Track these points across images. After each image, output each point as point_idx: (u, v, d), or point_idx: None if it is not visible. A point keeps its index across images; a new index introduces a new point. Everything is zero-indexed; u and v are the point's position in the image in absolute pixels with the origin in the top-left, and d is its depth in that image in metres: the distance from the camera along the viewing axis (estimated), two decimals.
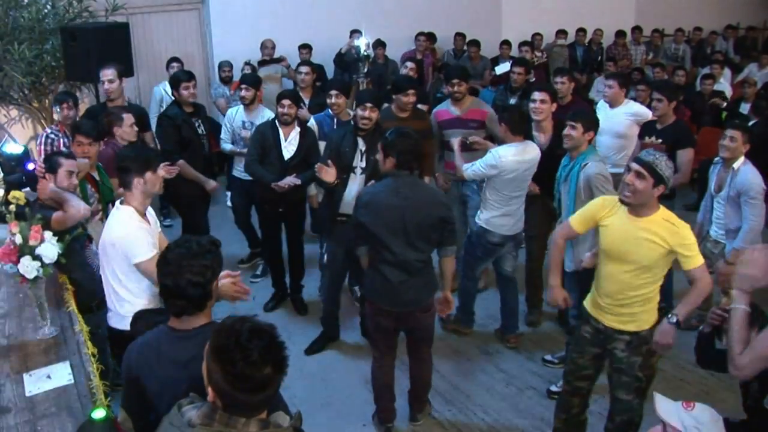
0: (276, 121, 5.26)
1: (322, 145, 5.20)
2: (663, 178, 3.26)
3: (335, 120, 5.44)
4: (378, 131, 4.58)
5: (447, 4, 10.68)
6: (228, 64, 8.05)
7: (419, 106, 5.68)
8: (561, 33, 10.84)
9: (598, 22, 11.43)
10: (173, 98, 5.72)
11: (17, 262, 3.15)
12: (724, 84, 9.11)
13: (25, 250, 3.16)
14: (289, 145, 5.23)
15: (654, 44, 11.64)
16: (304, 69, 6.59)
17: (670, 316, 3.48)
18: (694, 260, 3.36)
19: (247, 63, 8.19)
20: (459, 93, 5.45)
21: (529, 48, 9.18)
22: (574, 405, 3.83)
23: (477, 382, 4.73)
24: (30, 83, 6.71)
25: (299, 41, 8.95)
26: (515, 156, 4.61)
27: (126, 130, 4.83)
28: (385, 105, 5.34)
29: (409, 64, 7.40)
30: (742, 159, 4.62)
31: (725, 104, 8.15)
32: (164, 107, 6.77)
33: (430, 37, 10.12)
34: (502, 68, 8.33)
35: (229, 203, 6.83)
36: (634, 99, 6.23)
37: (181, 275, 2.28)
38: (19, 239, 3.16)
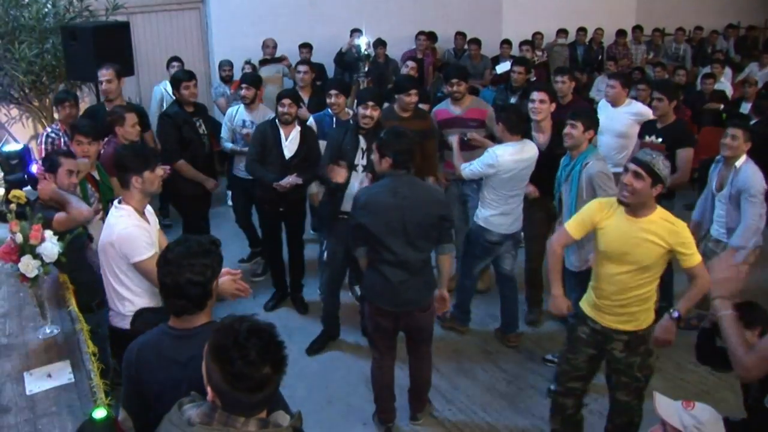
0: (276, 120, 5.26)
1: (321, 144, 5.20)
2: (661, 178, 3.27)
3: (334, 119, 5.44)
4: (379, 130, 4.58)
5: (447, 3, 10.67)
6: (228, 63, 8.05)
7: (420, 105, 5.68)
8: (562, 32, 10.84)
9: (599, 21, 11.44)
10: (174, 98, 5.72)
11: (18, 261, 3.15)
12: (725, 83, 9.11)
13: (26, 249, 3.15)
14: (290, 144, 5.23)
15: (655, 43, 11.64)
16: (302, 68, 6.60)
17: (671, 311, 3.48)
18: (694, 258, 3.38)
19: (248, 62, 8.18)
20: (458, 92, 5.45)
21: (529, 47, 9.18)
22: (568, 406, 3.81)
23: (477, 382, 4.73)
24: (30, 82, 6.71)
25: (300, 40, 8.95)
26: (513, 155, 4.62)
27: (128, 130, 4.82)
28: (386, 104, 5.34)
29: (410, 64, 7.41)
30: (744, 157, 4.62)
31: (722, 106, 8.14)
32: (165, 107, 6.78)
33: (431, 36, 10.11)
34: (503, 67, 8.33)
35: (229, 202, 6.83)
36: (635, 98, 6.22)
37: (181, 274, 2.28)
38: (19, 238, 3.15)
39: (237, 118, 6.03)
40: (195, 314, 2.35)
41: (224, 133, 6.10)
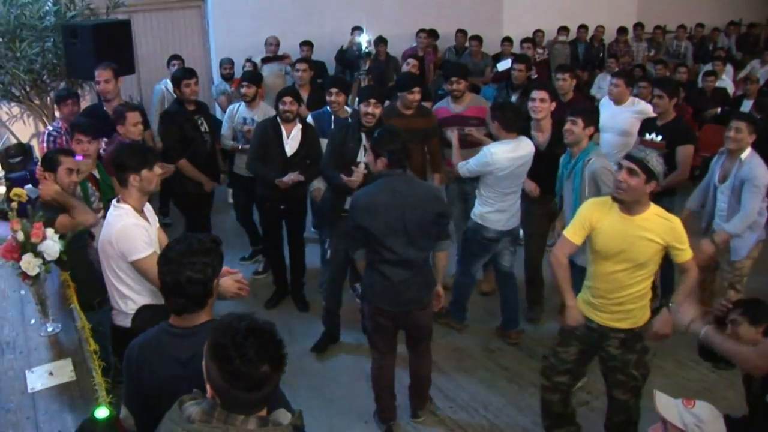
0: (277, 118, 5.26)
1: (321, 142, 5.20)
2: (654, 174, 3.27)
3: (333, 117, 5.45)
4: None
5: (449, 1, 10.66)
6: (229, 61, 8.04)
7: (422, 103, 5.67)
8: (563, 30, 10.82)
9: (600, 18, 11.43)
10: (175, 96, 5.72)
11: (19, 259, 3.15)
12: (727, 81, 9.10)
13: (27, 247, 3.16)
14: (291, 141, 5.23)
15: (656, 41, 11.63)
16: (301, 66, 6.61)
17: (670, 305, 3.48)
18: (687, 253, 3.40)
19: (249, 60, 8.18)
20: (458, 91, 5.46)
21: (530, 45, 9.17)
22: (554, 402, 3.80)
23: (479, 380, 4.73)
24: (31, 81, 6.71)
25: (300, 38, 8.94)
26: (508, 153, 4.62)
27: (129, 129, 4.80)
28: (387, 103, 5.34)
29: (411, 61, 7.39)
30: (749, 150, 4.61)
31: (720, 110, 8.13)
32: (166, 105, 6.78)
33: (432, 34, 10.11)
34: (504, 65, 8.32)
35: (230, 200, 6.83)
36: (636, 96, 6.22)
37: (182, 273, 2.28)
38: (21, 236, 3.16)
39: (238, 115, 6.03)
40: (195, 313, 2.35)
41: (225, 130, 6.10)
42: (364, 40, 8.21)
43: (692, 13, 12.36)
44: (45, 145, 5.20)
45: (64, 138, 5.16)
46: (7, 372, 2.96)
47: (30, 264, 3.14)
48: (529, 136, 4.98)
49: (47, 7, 6.66)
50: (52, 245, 3.20)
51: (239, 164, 5.99)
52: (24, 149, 5.54)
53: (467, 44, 10.16)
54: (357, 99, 4.99)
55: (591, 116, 4.46)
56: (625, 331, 3.51)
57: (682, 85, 7.76)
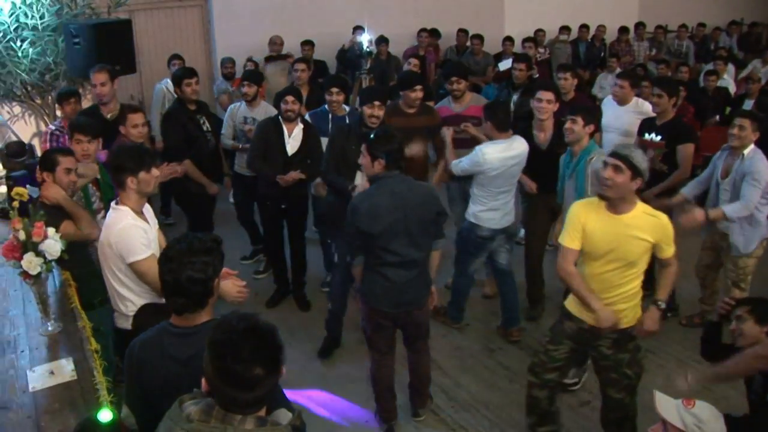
0: (279, 117, 5.26)
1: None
2: (640, 171, 3.27)
3: (330, 115, 5.45)
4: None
5: (450, 0, 10.66)
6: (230, 60, 8.05)
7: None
8: (564, 29, 10.81)
9: (601, 18, 11.42)
10: (176, 96, 5.71)
11: (20, 258, 3.15)
12: (728, 80, 9.09)
13: (28, 246, 3.16)
14: (292, 141, 5.23)
15: (657, 40, 11.61)
16: (299, 66, 6.62)
17: (659, 303, 3.50)
18: (671, 249, 3.42)
19: (250, 59, 8.19)
20: (458, 90, 5.46)
21: (532, 44, 9.16)
22: (541, 399, 3.78)
23: (480, 379, 4.73)
24: (33, 80, 6.71)
25: (302, 37, 8.94)
26: (500, 153, 4.62)
27: (129, 130, 4.77)
28: (388, 102, 5.33)
29: (412, 61, 7.40)
30: (752, 146, 4.61)
31: (718, 117, 8.11)
32: (167, 105, 6.78)
33: (433, 33, 10.11)
34: (505, 64, 8.31)
35: (231, 199, 6.84)
36: (638, 95, 6.21)
37: (182, 272, 2.28)
38: (22, 236, 3.16)
39: (238, 115, 6.03)
40: (196, 312, 2.35)
41: (225, 130, 6.09)
42: (366, 39, 8.23)
43: (694, 13, 12.35)
44: (48, 144, 5.19)
45: (66, 137, 5.15)
46: (8, 371, 2.96)
47: (31, 263, 3.14)
48: (531, 135, 4.99)
49: (48, 7, 6.67)
50: (53, 244, 3.20)
51: (240, 163, 6.00)
52: (23, 148, 5.54)
53: (468, 43, 10.16)
54: (358, 99, 4.98)
55: (590, 114, 4.47)
56: (617, 331, 3.49)
57: (684, 85, 7.75)
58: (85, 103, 6.35)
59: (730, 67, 9.58)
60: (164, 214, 7.17)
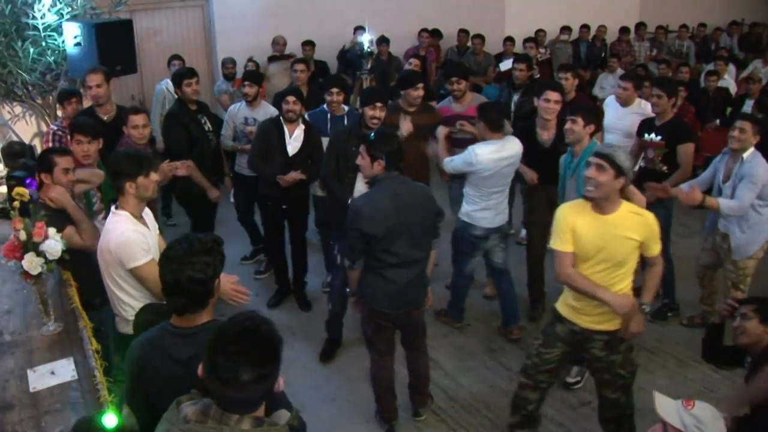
0: (280, 117, 5.26)
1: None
2: (623, 169, 3.27)
3: (329, 115, 5.45)
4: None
5: (451, 0, 10.66)
6: (231, 60, 8.05)
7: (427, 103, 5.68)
8: (565, 29, 10.81)
9: (602, 18, 11.42)
10: (176, 96, 5.70)
11: (21, 258, 3.15)
12: (729, 81, 9.09)
13: (29, 246, 3.16)
14: (293, 141, 5.23)
15: (658, 40, 11.61)
16: (299, 67, 6.63)
17: (643, 306, 3.49)
18: (658, 247, 3.41)
19: (251, 59, 8.19)
20: (458, 91, 5.47)
21: (533, 44, 9.16)
22: (531, 401, 3.76)
23: (480, 379, 4.73)
24: (33, 80, 6.72)
25: (303, 38, 8.94)
26: (492, 154, 4.63)
27: (130, 131, 4.77)
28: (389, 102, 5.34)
29: (413, 61, 7.41)
30: (751, 149, 4.61)
31: (718, 122, 8.10)
32: (167, 105, 6.77)
33: (434, 33, 10.11)
34: (506, 65, 8.31)
35: (231, 199, 6.84)
36: (639, 96, 6.21)
37: (183, 272, 2.28)
38: (23, 236, 3.16)
39: (239, 115, 6.02)
40: (196, 312, 2.36)
41: (225, 130, 6.07)
42: (366, 39, 8.22)
43: (694, 13, 12.34)
44: (50, 144, 5.18)
45: (68, 137, 5.14)
46: (9, 371, 2.96)
47: (32, 263, 3.14)
48: (533, 134, 4.99)
49: (49, 6, 6.67)
50: (53, 244, 3.19)
51: (240, 163, 5.99)
52: (24, 148, 5.53)
53: (469, 44, 10.16)
54: (359, 100, 4.97)
55: (591, 114, 4.48)
56: (608, 332, 3.48)
57: (684, 85, 7.75)
58: (87, 104, 6.35)
59: (731, 68, 9.57)
60: (165, 215, 7.17)
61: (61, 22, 6.61)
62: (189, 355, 2.26)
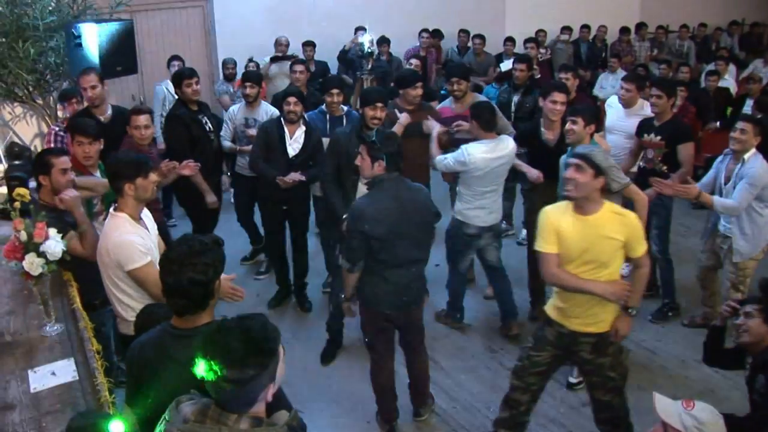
0: (281, 119, 5.26)
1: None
2: (601, 169, 3.28)
3: (327, 116, 5.46)
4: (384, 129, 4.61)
5: (451, 1, 10.66)
6: (232, 61, 8.05)
7: (428, 103, 5.67)
8: (565, 29, 10.80)
9: (603, 18, 11.42)
10: (176, 97, 5.69)
11: (22, 258, 3.15)
12: (730, 80, 9.09)
13: (30, 247, 3.16)
14: (294, 143, 5.23)
15: (658, 40, 11.61)
16: (298, 68, 6.62)
17: (629, 310, 3.47)
18: (642, 247, 3.39)
19: (251, 60, 8.19)
20: (459, 91, 5.47)
21: (534, 45, 9.15)
22: (521, 403, 3.75)
23: (481, 380, 4.73)
24: (34, 81, 6.72)
25: (303, 38, 8.94)
26: (485, 153, 4.64)
27: (132, 132, 4.77)
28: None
29: (414, 61, 7.40)
30: (753, 151, 4.61)
31: (719, 124, 8.09)
32: (167, 106, 6.77)
33: (435, 34, 10.11)
34: (507, 65, 8.30)
35: (231, 200, 6.84)
36: (642, 97, 6.21)
37: (183, 273, 2.28)
38: (23, 236, 3.16)
39: (239, 116, 6.02)
40: (197, 314, 2.36)
41: (224, 131, 6.04)
42: (367, 40, 8.22)
43: (695, 13, 12.34)
44: (52, 144, 5.18)
45: (70, 138, 5.14)
46: (9, 372, 2.97)
47: (33, 264, 3.14)
48: (538, 134, 5.00)
49: (50, 7, 6.67)
50: (54, 245, 3.19)
51: (241, 164, 5.99)
52: (22, 150, 5.54)
53: (470, 44, 10.16)
54: (359, 101, 4.96)
55: (591, 114, 4.49)
56: (596, 335, 3.47)
57: (685, 85, 7.75)
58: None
59: (732, 68, 9.57)
60: (166, 216, 7.16)
61: (61, 23, 6.61)
62: (189, 356, 2.25)
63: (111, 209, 3.39)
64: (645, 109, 5.71)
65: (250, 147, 5.59)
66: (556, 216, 3.43)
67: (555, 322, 3.57)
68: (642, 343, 5.08)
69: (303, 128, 5.25)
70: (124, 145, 4.75)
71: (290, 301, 5.79)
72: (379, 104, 4.66)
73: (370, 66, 8.15)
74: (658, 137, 5.16)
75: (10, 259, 3.19)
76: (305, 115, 5.51)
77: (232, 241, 6.30)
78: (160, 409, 2.02)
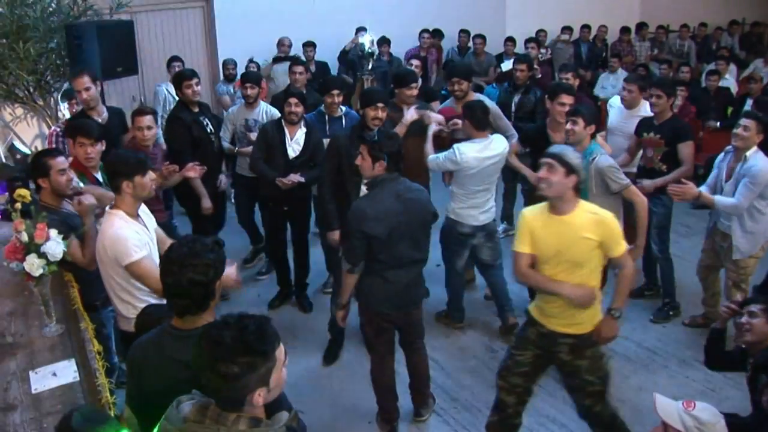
0: (282, 120, 5.26)
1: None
2: (573, 167, 3.27)
3: (327, 117, 5.46)
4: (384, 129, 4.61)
5: (451, 1, 10.66)
6: (232, 61, 8.06)
7: (428, 103, 5.67)
8: (566, 29, 10.81)
9: (603, 18, 11.43)
10: (176, 97, 5.69)
11: (23, 259, 3.16)
12: (730, 80, 9.09)
13: (31, 247, 3.17)
14: (294, 144, 5.22)
15: (659, 40, 11.60)
16: (298, 69, 6.60)
17: (612, 311, 3.46)
18: (621, 247, 3.36)
19: (251, 61, 8.19)
20: (459, 92, 5.47)
21: (534, 45, 9.16)
22: (509, 404, 3.72)
23: (482, 380, 4.73)
24: (35, 81, 6.72)
25: (304, 38, 8.95)
26: (477, 153, 4.65)
27: (135, 132, 4.75)
28: None
29: (414, 62, 7.40)
30: (754, 148, 4.61)
31: (719, 124, 8.09)
32: (167, 107, 6.77)
33: (435, 34, 10.11)
34: (508, 65, 8.31)
35: (231, 200, 6.84)
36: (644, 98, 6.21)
37: (184, 274, 2.29)
38: (24, 237, 3.17)
39: (239, 117, 6.02)
40: (197, 314, 2.36)
41: (224, 132, 6.02)
42: (367, 40, 8.22)
43: (695, 13, 12.32)
44: (54, 145, 5.19)
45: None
46: (10, 373, 2.97)
47: (34, 265, 3.15)
48: (546, 135, 5.00)
49: (51, 8, 6.68)
50: (55, 246, 3.20)
51: (241, 164, 5.99)
52: (24, 156, 5.55)
53: (470, 44, 10.16)
54: (361, 101, 4.95)
55: (590, 114, 4.50)
56: (575, 336, 3.45)
57: (685, 85, 7.75)
58: None
59: (732, 67, 9.57)
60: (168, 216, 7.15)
61: (62, 24, 6.62)
62: (190, 357, 2.26)
63: (107, 207, 3.40)
64: (646, 109, 5.72)
65: (249, 149, 5.58)
66: (532, 217, 3.45)
67: (537, 322, 3.57)
68: (643, 342, 5.08)
69: (303, 129, 5.25)
70: (126, 146, 4.75)
71: (291, 301, 5.79)
72: (380, 104, 4.66)
73: (370, 66, 8.16)
74: (658, 136, 5.16)
75: (11, 260, 3.20)
76: (305, 117, 5.52)
77: (231, 242, 6.29)
78: (161, 411, 2.02)
